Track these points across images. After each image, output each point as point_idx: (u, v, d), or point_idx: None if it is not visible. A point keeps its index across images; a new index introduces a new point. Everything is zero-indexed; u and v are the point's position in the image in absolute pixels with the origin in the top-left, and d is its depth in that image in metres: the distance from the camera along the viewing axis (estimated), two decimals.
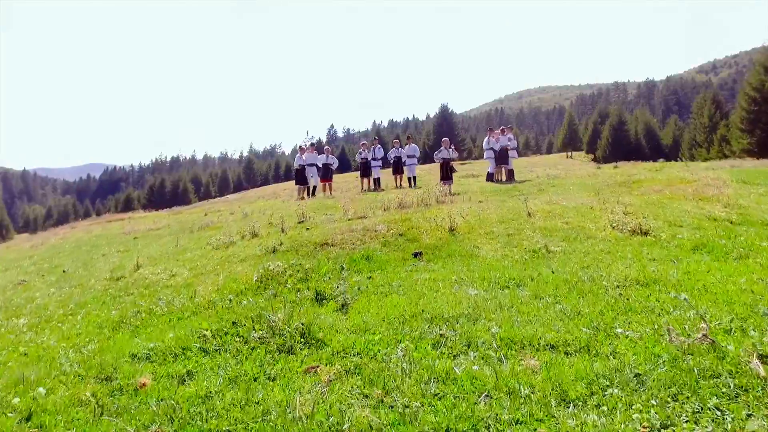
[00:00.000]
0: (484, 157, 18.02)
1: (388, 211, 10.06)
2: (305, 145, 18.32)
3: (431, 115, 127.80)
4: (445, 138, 15.99)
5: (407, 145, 17.10)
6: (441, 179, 14.37)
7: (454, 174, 16.03)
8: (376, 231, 7.44)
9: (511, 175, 16.83)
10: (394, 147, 17.02)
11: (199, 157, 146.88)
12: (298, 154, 16.94)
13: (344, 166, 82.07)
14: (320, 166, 17.00)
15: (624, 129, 68.74)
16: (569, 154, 73.39)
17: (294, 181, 17.97)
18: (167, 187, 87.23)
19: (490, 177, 16.56)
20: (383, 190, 16.75)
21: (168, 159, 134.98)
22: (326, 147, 18.38)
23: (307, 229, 8.60)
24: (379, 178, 17.39)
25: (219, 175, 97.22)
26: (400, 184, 16.79)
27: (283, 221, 9.43)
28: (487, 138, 16.91)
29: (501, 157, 16.25)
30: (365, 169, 17.21)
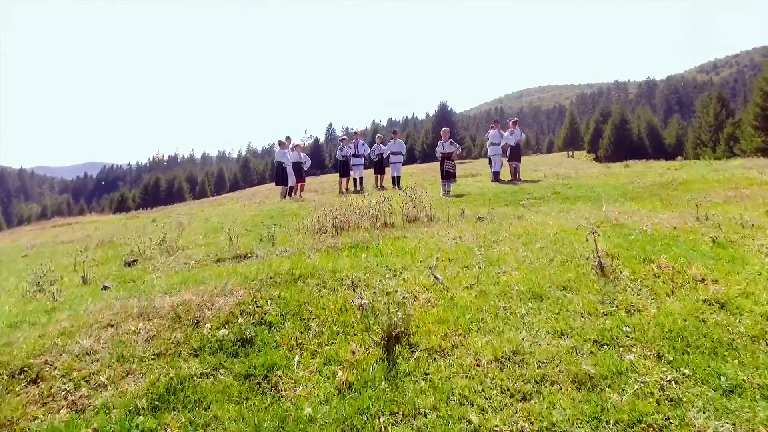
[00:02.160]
0: (489, 153, 13.78)
1: (320, 234, 5.31)
2: (285, 140, 14.31)
3: (431, 114, 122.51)
4: (444, 128, 11.75)
5: (392, 141, 14.01)
6: (442, 178, 10.75)
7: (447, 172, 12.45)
8: (196, 323, 2.61)
9: (516, 173, 13.18)
10: (376, 143, 14.05)
11: (197, 155, 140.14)
12: (278, 149, 13.12)
13: None
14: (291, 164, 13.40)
15: (626, 128, 63.80)
16: (570, 153, 68.24)
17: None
18: (162, 186, 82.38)
19: (496, 177, 12.99)
20: (365, 191, 13.24)
21: (166, 158, 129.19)
22: (296, 144, 14.30)
23: (105, 288, 3.77)
24: (361, 178, 14.11)
25: (215, 174, 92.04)
26: (381, 185, 13.81)
27: (84, 266, 4.60)
28: (495, 131, 13.02)
29: (514, 153, 12.84)
30: (345, 168, 13.94)
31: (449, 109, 66.34)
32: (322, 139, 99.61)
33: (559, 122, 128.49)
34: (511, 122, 13.64)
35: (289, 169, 13.13)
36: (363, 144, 14.17)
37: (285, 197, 13.01)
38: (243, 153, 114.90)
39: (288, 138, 13.89)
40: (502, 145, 12.80)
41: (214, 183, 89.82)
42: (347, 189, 13.97)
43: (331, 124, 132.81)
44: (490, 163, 13.66)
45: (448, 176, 10.41)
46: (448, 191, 10.37)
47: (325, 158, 77.10)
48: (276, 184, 13.65)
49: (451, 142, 10.50)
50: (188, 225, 10.30)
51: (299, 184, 13.44)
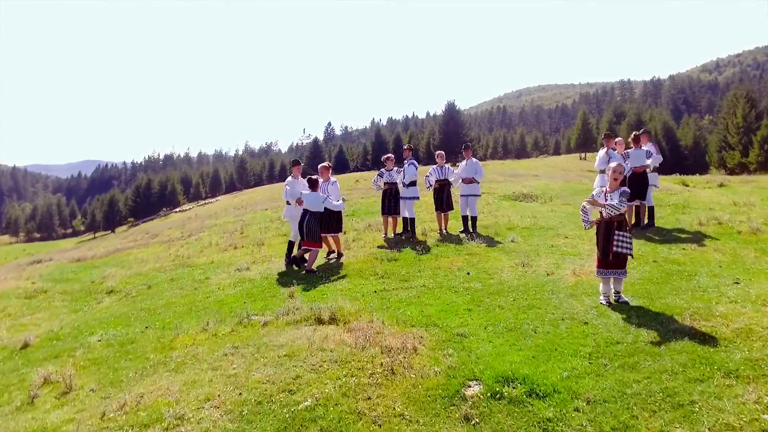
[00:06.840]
0: (597, 184, 8.22)
1: None
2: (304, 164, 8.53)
3: (431, 113, 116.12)
4: (616, 164, 4.75)
5: (463, 162, 8.68)
6: (602, 266, 4.68)
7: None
8: None
9: (647, 216, 8.05)
10: (436, 165, 8.75)
11: (194, 154, 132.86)
12: (294, 180, 7.81)
13: (343, 167, 70.38)
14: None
15: (643, 129, 58.05)
16: (583, 155, 62.42)
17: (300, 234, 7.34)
18: (154, 188, 75.45)
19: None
20: (416, 239, 8.19)
21: (161, 157, 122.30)
22: (325, 164, 8.14)
23: None
24: (413, 219, 8.65)
25: (210, 175, 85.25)
26: (445, 229, 8.66)
27: None
28: (604, 150, 8.03)
29: (640, 185, 7.75)
30: (392, 203, 8.43)
31: (457, 108, 60.08)
32: (321, 138, 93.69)
33: (561, 122, 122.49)
34: (641, 135, 8.07)
35: (288, 212, 7.76)
36: (414, 165, 8.46)
37: (314, 265, 7.10)
38: (240, 152, 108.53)
39: (296, 162, 8.01)
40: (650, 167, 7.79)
41: (209, 184, 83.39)
42: (392, 233, 8.68)
43: (329, 123, 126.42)
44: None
45: (621, 263, 4.57)
46: (620, 295, 4.68)
47: (324, 159, 71.30)
48: (305, 238, 7.01)
49: (624, 191, 4.50)
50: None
51: (332, 238, 7.75)
